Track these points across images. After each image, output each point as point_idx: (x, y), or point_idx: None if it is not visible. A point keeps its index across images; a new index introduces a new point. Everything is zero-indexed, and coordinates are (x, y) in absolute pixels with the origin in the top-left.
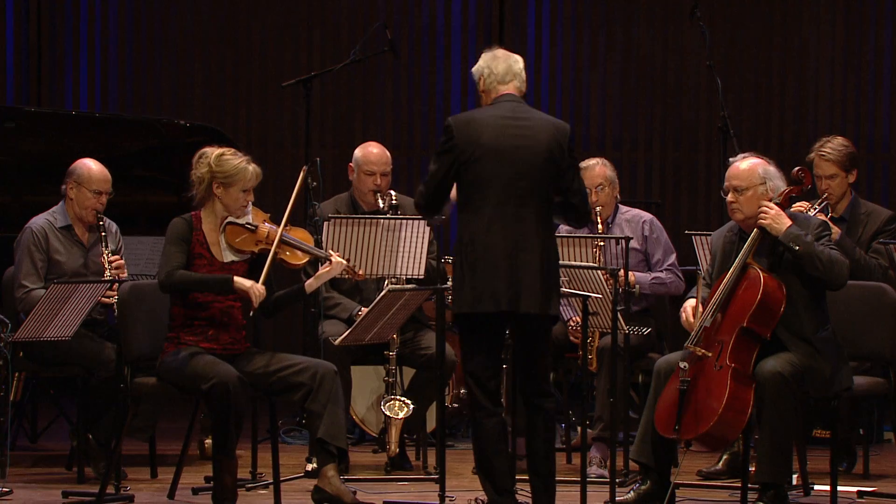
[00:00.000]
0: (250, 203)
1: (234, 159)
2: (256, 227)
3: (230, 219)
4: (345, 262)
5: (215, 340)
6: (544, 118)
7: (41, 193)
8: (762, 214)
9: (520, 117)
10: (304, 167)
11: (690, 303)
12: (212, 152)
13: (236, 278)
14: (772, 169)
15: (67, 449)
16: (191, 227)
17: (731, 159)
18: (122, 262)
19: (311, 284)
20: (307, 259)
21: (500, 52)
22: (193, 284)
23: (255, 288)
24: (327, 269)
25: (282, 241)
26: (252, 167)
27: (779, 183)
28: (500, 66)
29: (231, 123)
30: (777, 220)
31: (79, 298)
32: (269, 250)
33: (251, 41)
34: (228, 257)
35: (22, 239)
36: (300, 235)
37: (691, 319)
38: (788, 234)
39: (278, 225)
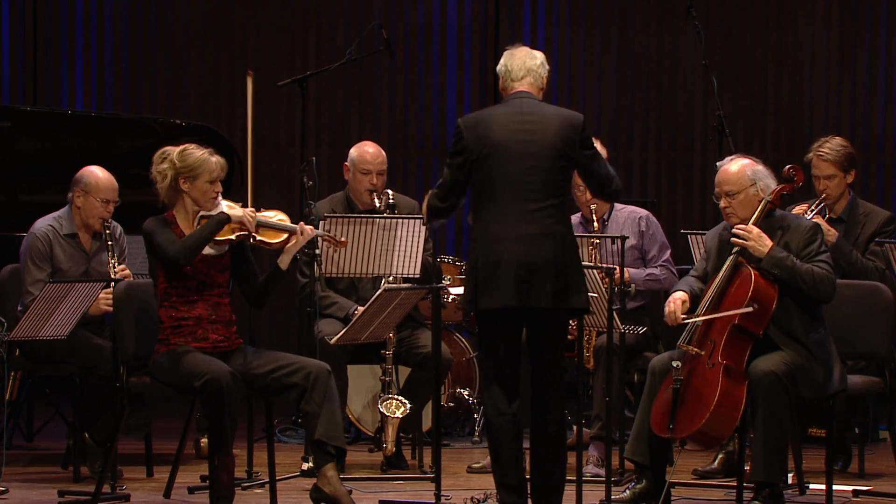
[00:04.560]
0: (220, 195)
1: (197, 152)
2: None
3: (202, 213)
4: (314, 231)
5: (205, 339)
6: (554, 111)
7: (37, 193)
8: (742, 238)
9: (527, 112)
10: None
11: (678, 295)
12: (173, 149)
13: (228, 210)
14: (760, 168)
15: (63, 448)
16: (167, 223)
17: (718, 164)
18: (129, 272)
19: (283, 260)
20: (285, 236)
21: (519, 50)
22: (202, 239)
23: (246, 214)
24: (294, 241)
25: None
26: (215, 158)
27: (769, 181)
28: (515, 64)
29: (226, 123)
30: (759, 242)
31: (74, 298)
32: (246, 235)
33: (247, 40)
34: (207, 250)
35: (27, 246)
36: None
37: (678, 312)
38: (770, 259)
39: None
